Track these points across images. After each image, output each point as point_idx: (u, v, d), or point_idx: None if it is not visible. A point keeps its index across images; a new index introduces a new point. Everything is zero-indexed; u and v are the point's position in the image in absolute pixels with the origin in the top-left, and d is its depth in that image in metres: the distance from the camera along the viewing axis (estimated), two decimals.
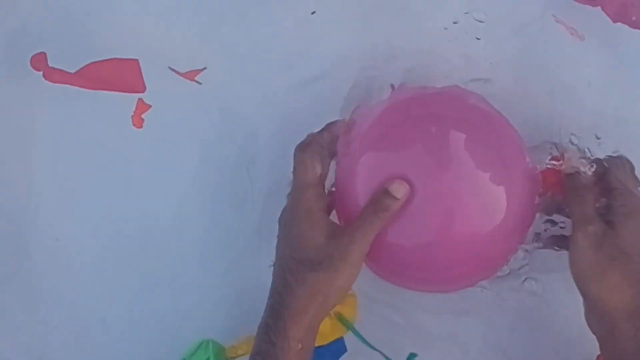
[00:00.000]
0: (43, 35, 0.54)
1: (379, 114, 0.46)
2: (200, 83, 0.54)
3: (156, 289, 0.54)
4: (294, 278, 0.43)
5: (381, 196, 0.43)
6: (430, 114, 0.45)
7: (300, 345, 0.43)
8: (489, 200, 0.43)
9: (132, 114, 0.53)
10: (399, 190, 0.43)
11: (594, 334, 0.45)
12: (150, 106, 0.53)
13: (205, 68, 0.54)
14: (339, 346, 0.51)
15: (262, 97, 0.55)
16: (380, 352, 0.49)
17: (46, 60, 0.52)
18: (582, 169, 0.45)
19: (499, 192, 0.43)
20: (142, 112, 0.53)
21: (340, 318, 0.49)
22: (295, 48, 0.55)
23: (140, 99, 0.53)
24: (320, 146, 0.46)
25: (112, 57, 0.52)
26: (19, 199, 0.55)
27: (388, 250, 0.44)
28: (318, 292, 0.43)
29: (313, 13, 0.55)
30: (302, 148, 0.45)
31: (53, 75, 0.51)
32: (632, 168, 0.47)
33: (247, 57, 0.55)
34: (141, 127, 0.54)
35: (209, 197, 0.55)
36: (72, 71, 0.51)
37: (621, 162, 0.46)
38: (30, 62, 0.52)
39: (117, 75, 0.51)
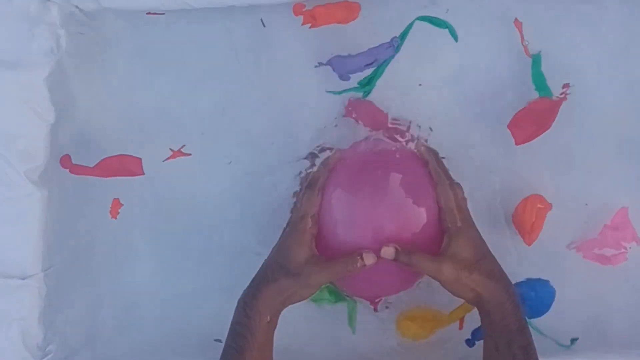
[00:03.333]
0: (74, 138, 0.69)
1: (344, 164, 0.62)
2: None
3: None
4: (273, 275, 0.58)
5: (355, 257, 0.57)
6: (379, 163, 0.62)
7: (268, 318, 0.57)
8: (413, 216, 0.59)
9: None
10: (369, 259, 0.57)
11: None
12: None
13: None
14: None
15: None
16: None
17: (71, 160, 0.68)
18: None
19: (420, 211, 0.59)
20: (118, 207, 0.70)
21: None
22: None
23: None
24: (322, 184, 0.61)
25: (119, 153, 0.69)
26: None
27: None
28: (285, 291, 0.58)
29: None
30: (310, 185, 0.61)
31: (77, 169, 0.69)
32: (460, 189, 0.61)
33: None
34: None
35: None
36: (92, 165, 0.69)
37: (447, 183, 0.60)
38: (60, 162, 0.68)
39: (124, 166, 0.69)
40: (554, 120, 0.66)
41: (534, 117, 0.65)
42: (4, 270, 0.64)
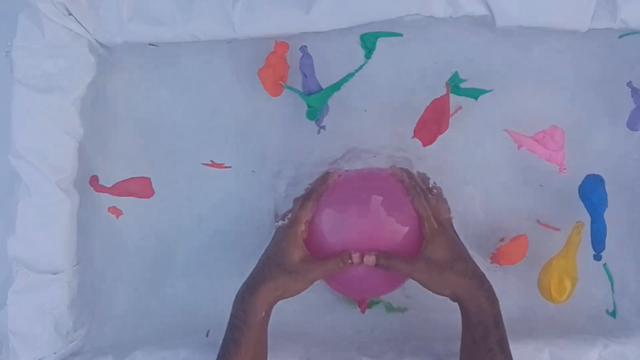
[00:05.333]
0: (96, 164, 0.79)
1: (334, 186, 0.70)
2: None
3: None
4: (270, 274, 0.64)
5: (345, 257, 0.65)
6: (363, 186, 0.70)
7: (263, 313, 0.63)
8: (394, 228, 0.67)
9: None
10: (356, 258, 0.65)
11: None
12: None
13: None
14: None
15: None
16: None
17: (97, 180, 0.77)
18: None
19: (399, 223, 0.67)
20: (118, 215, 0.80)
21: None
22: None
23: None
24: (318, 195, 0.68)
25: (132, 176, 0.78)
26: None
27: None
28: (280, 288, 0.64)
29: None
30: (308, 196, 0.68)
31: (99, 189, 0.77)
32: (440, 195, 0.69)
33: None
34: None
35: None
36: (109, 186, 0.77)
37: (423, 193, 0.68)
38: (89, 182, 0.77)
39: (136, 188, 0.78)
40: (448, 118, 0.73)
41: (433, 119, 0.73)
42: (38, 267, 0.71)
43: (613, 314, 0.76)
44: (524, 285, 0.77)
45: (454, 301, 0.64)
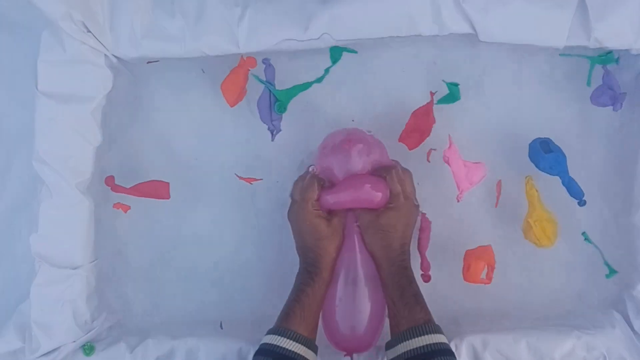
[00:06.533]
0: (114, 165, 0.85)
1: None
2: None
3: None
4: (318, 246, 0.75)
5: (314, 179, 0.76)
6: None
7: (327, 277, 0.74)
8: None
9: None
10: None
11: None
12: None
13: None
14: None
15: None
16: None
17: (114, 180, 0.82)
18: None
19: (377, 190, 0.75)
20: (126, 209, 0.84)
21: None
22: None
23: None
24: (313, 177, 0.77)
25: (151, 179, 0.83)
26: None
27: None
28: (326, 251, 0.75)
29: None
30: (304, 177, 0.77)
31: (117, 189, 0.82)
32: (410, 176, 0.76)
33: None
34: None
35: None
36: (128, 187, 0.81)
37: (398, 170, 0.75)
38: (105, 181, 0.82)
39: (154, 189, 0.82)
40: (432, 125, 0.80)
41: (417, 125, 0.80)
42: (58, 262, 0.76)
43: (611, 273, 0.80)
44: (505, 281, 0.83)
45: (373, 259, 0.75)
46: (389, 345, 0.70)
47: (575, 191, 0.78)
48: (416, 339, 0.66)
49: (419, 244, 0.82)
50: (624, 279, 0.80)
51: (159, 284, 0.86)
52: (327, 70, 0.81)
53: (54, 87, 0.75)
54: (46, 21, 0.73)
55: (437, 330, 0.68)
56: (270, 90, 0.81)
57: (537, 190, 0.80)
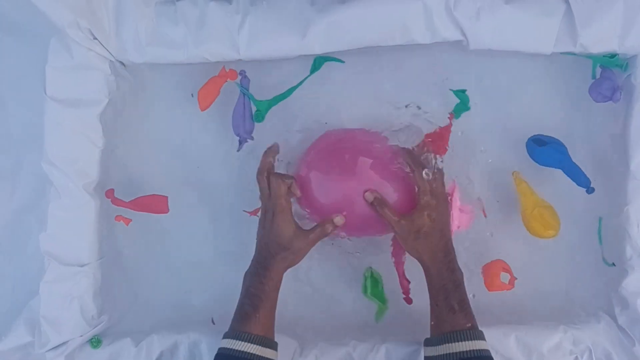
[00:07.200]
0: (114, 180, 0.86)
1: (320, 147, 0.78)
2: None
3: None
4: (274, 251, 0.73)
5: (328, 222, 0.74)
6: (347, 147, 0.78)
7: (276, 281, 0.73)
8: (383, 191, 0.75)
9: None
10: (339, 221, 0.75)
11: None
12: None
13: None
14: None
15: None
16: None
17: (114, 193, 0.83)
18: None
19: (386, 183, 0.75)
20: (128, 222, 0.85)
21: None
22: None
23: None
24: (272, 169, 0.76)
25: (150, 193, 0.84)
26: None
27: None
28: (285, 260, 0.73)
29: None
30: (273, 174, 0.75)
31: (117, 202, 0.83)
32: (441, 175, 0.75)
33: None
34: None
35: None
36: (127, 200, 0.82)
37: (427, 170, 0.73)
38: (105, 194, 0.82)
39: (153, 204, 0.83)
40: (446, 144, 0.81)
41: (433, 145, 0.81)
42: (66, 260, 0.78)
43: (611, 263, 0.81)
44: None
45: (420, 264, 0.73)
46: (429, 343, 0.71)
47: (581, 179, 0.77)
48: (459, 343, 0.68)
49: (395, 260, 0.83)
50: (610, 276, 0.82)
51: (158, 282, 0.89)
52: (305, 79, 0.82)
53: (61, 92, 0.78)
54: (54, 28, 0.76)
55: (480, 336, 0.69)
56: (250, 100, 0.82)
57: (525, 181, 0.80)
